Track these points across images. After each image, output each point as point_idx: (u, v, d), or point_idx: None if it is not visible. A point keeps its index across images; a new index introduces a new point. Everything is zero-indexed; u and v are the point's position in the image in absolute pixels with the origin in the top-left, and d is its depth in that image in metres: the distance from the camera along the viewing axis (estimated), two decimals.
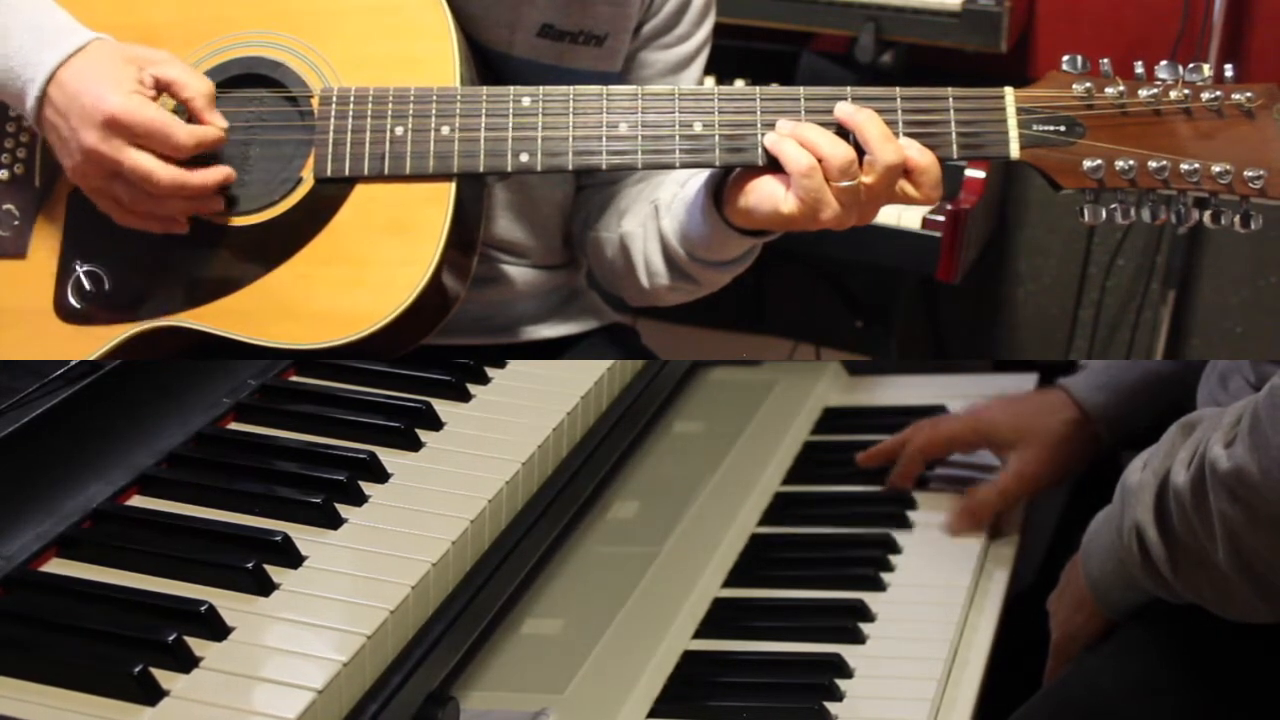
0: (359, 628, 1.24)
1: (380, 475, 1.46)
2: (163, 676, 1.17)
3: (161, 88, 1.44)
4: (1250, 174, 1.41)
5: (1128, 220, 1.45)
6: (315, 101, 1.50)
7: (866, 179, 1.42)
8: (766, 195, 1.46)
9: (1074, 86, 1.45)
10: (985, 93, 1.45)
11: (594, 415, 1.65)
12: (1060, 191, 1.46)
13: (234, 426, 1.54)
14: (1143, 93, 1.43)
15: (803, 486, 2.00)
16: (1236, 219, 1.43)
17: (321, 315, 1.46)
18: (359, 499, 1.42)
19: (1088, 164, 1.43)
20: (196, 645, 1.20)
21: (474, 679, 1.61)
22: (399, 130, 1.47)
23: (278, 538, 1.33)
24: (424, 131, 1.47)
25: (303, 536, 1.35)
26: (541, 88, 1.48)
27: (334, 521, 1.38)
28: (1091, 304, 2.98)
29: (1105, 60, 1.46)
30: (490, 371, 1.65)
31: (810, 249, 2.52)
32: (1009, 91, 1.46)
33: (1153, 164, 1.42)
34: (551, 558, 1.79)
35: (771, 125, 1.45)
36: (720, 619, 1.73)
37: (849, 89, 1.46)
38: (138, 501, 1.41)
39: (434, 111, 1.48)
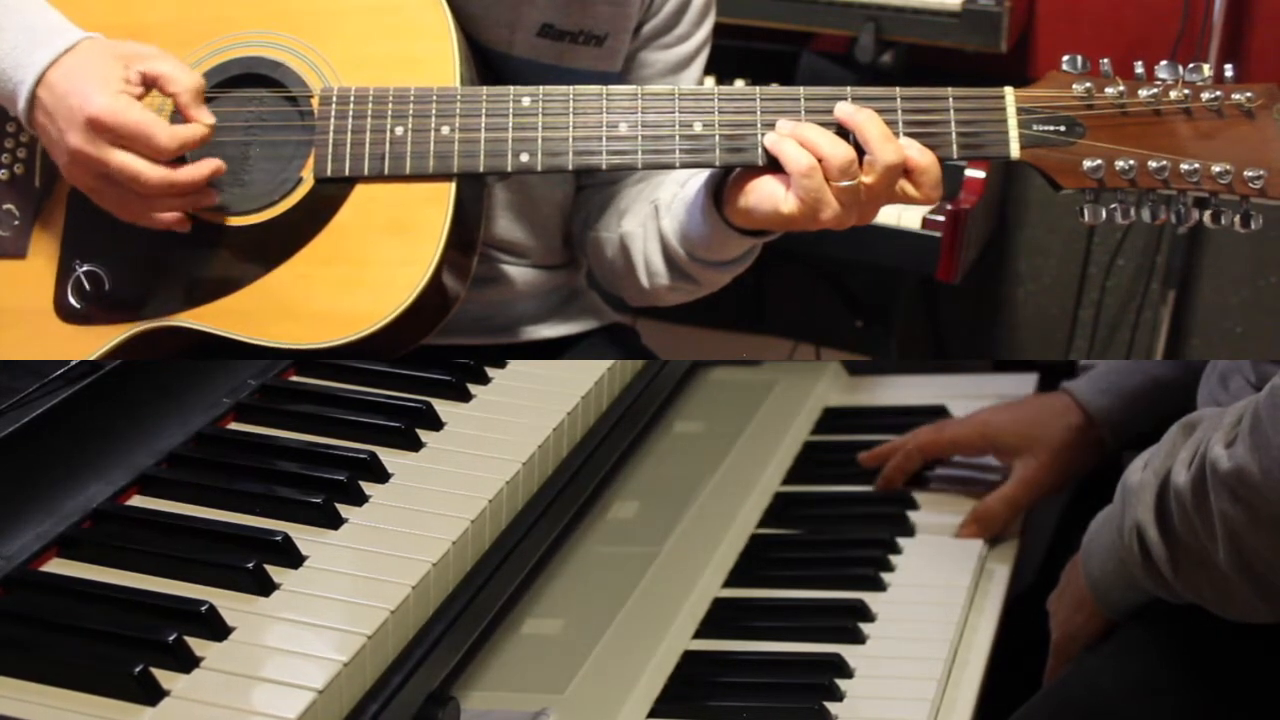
0: (359, 628, 1.24)
1: (381, 475, 1.46)
2: (163, 676, 1.17)
3: (149, 83, 1.43)
4: (1250, 174, 1.41)
5: (1128, 220, 1.45)
6: (315, 101, 1.50)
7: (866, 179, 1.42)
8: (766, 195, 1.45)
9: (1074, 86, 1.45)
10: (985, 93, 1.45)
11: (594, 415, 1.65)
12: (1060, 191, 1.46)
13: (234, 426, 1.54)
14: (1143, 93, 1.43)
15: (803, 486, 2.00)
16: (1236, 219, 1.43)
17: (321, 315, 1.46)
18: (359, 499, 1.42)
19: (1088, 164, 1.43)
20: (197, 645, 1.20)
21: (474, 679, 1.61)
22: (399, 130, 1.47)
23: (278, 538, 1.33)
24: (424, 131, 1.47)
25: (303, 536, 1.35)
26: (541, 88, 1.48)
27: (334, 521, 1.38)
28: (1091, 304, 2.98)
29: (1105, 60, 1.46)
30: (490, 371, 1.65)
31: (810, 249, 2.51)
32: (1009, 91, 1.46)
33: (1153, 164, 1.42)
34: (552, 558, 1.79)
35: (771, 125, 1.45)
36: (720, 619, 1.73)
37: (849, 89, 1.46)
38: (138, 501, 1.41)
39: (434, 111, 1.47)
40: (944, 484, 1.98)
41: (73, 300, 1.51)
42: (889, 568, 1.81)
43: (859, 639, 1.67)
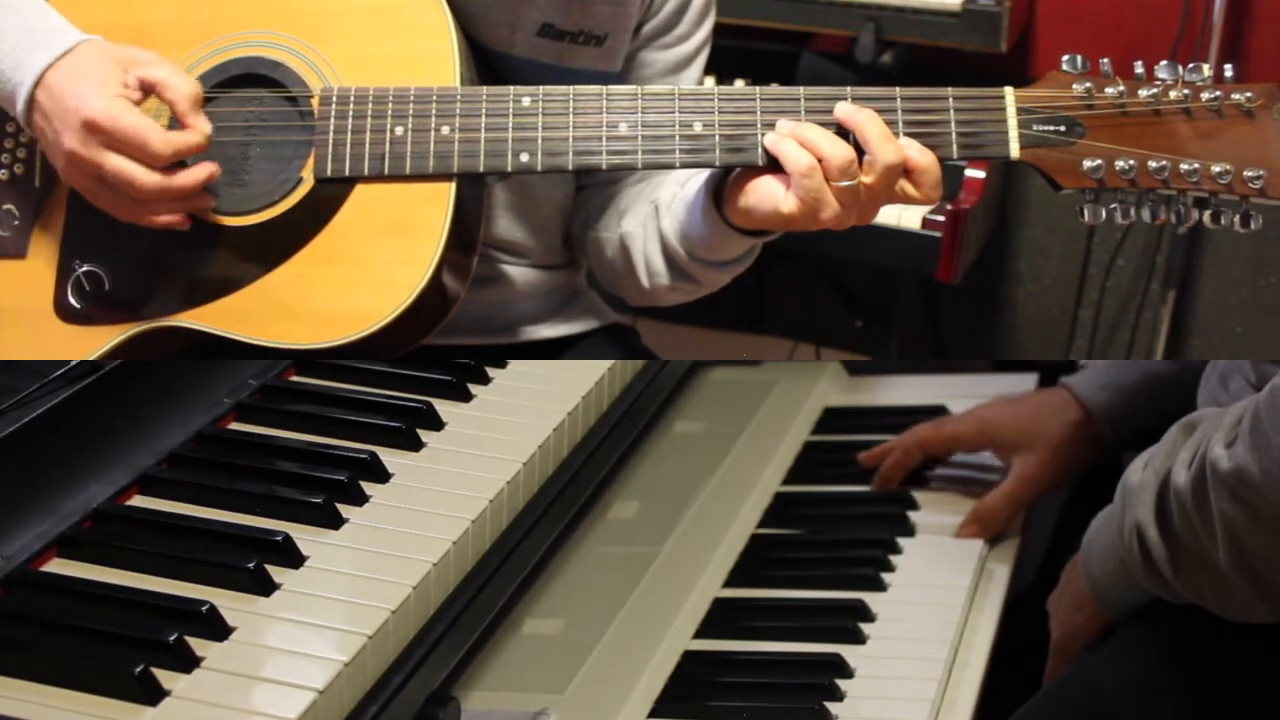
0: (360, 628, 1.24)
1: (381, 475, 1.46)
2: (164, 676, 1.17)
3: (147, 89, 1.43)
4: (1250, 174, 1.41)
5: (1128, 220, 1.45)
6: (315, 101, 1.50)
7: (866, 179, 1.42)
8: (766, 195, 1.46)
9: (1074, 86, 1.45)
10: (985, 93, 1.45)
11: (594, 415, 1.65)
12: (1060, 191, 1.46)
13: (234, 426, 1.54)
14: (1143, 93, 1.43)
15: (803, 486, 2.00)
16: (1236, 219, 1.43)
17: (321, 315, 1.46)
18: (360, 499, 1.42)
19: (1088, 164, 1.43)
20: (197, 645, 1.20)
21: (475, 679, 1.61)
22: (399, 130, 1.47)
23: (279, 538, 1.33)
24: (424, 131, 1.47)
25: (304, 536, 1.35)
26: (541, 88, 1.48)
27: (335, 521, 1.38)
28: (1091, 304, 2.98)
29: (1105, 60, 1.46)
30: (491, 371, 1.65)
31: (810, 249, 2.51)
32: (1009, 91, 1.46)
33: (1153, 164, 1.42)
34: (552, 558, 1.79)
35: (771, 125, 1.45)
36: (720, 619, 1.73)
37: (849, 89, 1.46)
38: (138, 501, 1.41)
39: (434, 111, 1.47)
40: (944, 484, 1.98)
41: (73, 300, 1.51)
42: (889, 568, 1.81)
43: (859, 639, 1.67)
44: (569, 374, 1.65)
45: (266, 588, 1.28)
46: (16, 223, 1.54)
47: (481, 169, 1.48)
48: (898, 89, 1.46)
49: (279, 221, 1.49)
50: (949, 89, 1.46)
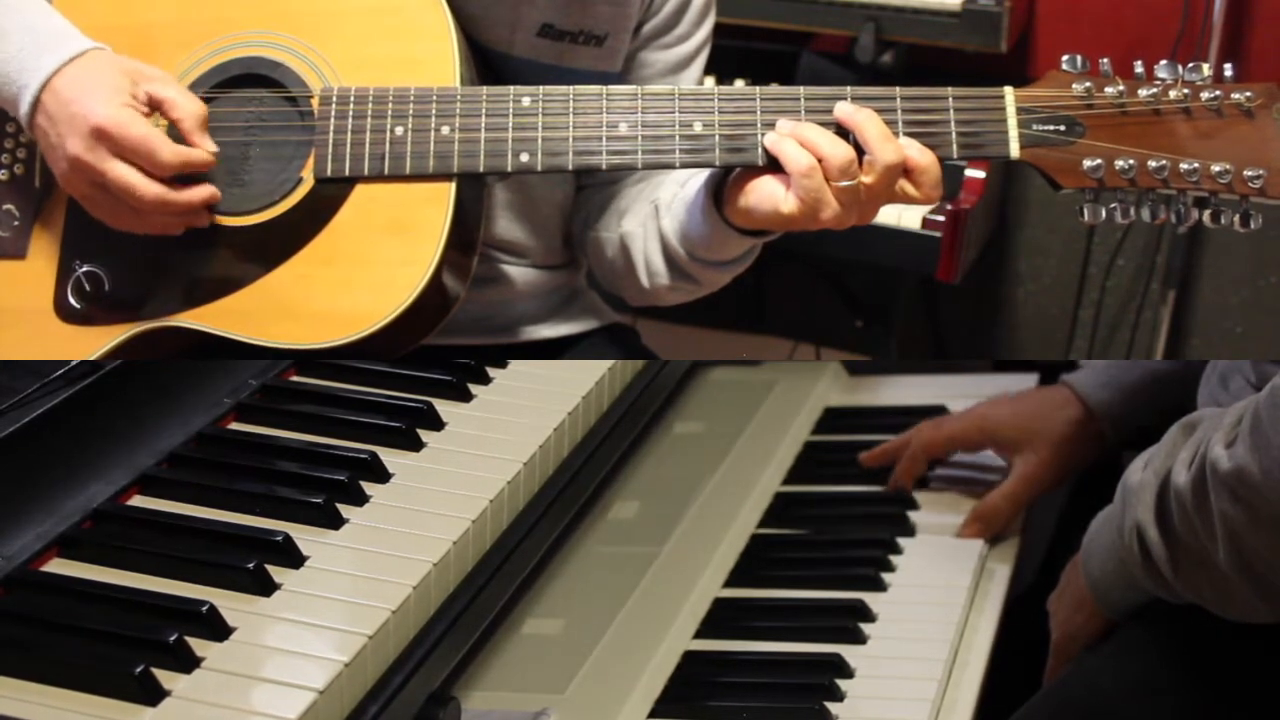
0: (360, 628, 1.24)
1: (381, 475, 1.46)
2: (164, 677, 1.17)
3: (154, 105, 1.44)
4: (1250, 173, 1.41)
5: (1127, 220, 1.45)
6: (315, 102, 1.50)
7: (866, 179, 1.42)
8: (766, 195, 1.46)
9: (1074, 86, 1.45)
10: (985, 92, 1.45)
11: (595, 415, 1.65)
12: (1060, 191, 1.46)
13: (234, 426, 1.54)
14: (1142, 92, 1.43)
15: (803, 486, 2.00)
16: (1236, 218, 1.43)
17: (322, 315, 1.46)
18: (360, 499, 1.42)
19: (1087, 163, 1.43)
20: (198, 645, 1.20)
21: (475, 679, 1.61)
22: (399, 130, 1.47)
23: (279, 538, 1.33)
24: (424, 131, 1.47)
25: (304, 536, 1.35)
26: (541, 88, 1.48)
27: (335, 521, 1.38)
28: (1091, 304, 2.98)
29: (1105, 60, 1.46)
30: (491, 371, 1.65)
31: (810, 249, 2.51)
32: (1009, 91, 1.46)
33: (1152, 163, 1.42)
34: (552, 558, 1.78)
35: (771, 125, 1.45)
36: (720, 619, 1.73)
37: (849, 89, 1.46)
38: (138, 501, 1.41)
39: (434, 111, 1.48)
40: (944, 484, 1.98)
41: (73, 300, 1.51)
42: (889, 568, 1.81)
43: (859, 639, 1.67)
44: (569, 374, 1.65)
45: (266, 588, 1.28)
46: (16, 223, 1.54)
47: (481, 169, 1.48)
48: (898, 89, 1.46)
49: (279, 221, 1.49)
50: (949, 89, 1.46)
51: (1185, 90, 1.43)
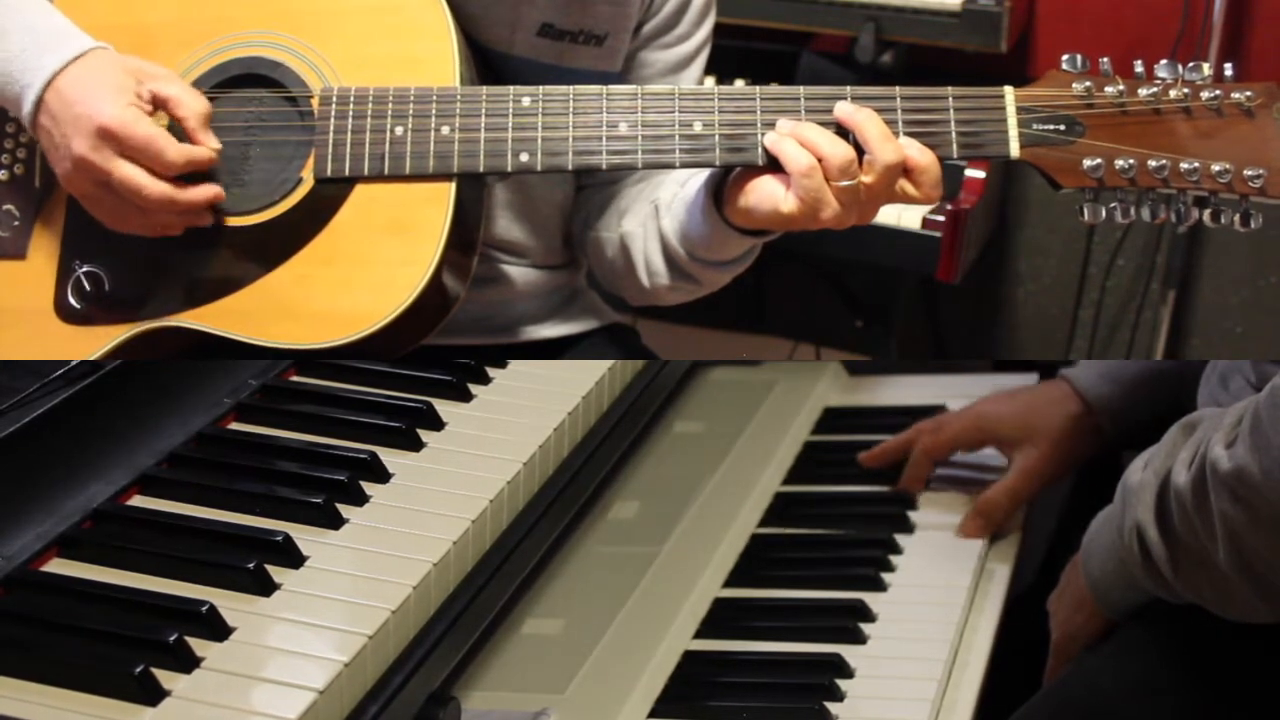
0: (360, 628, 1.24)
1: (381, 475, 1.46)
2: (164, 677, 1.17)
3: (158, 104, 1.44)
4: (1250, 173, 1.41)
5: (1127, 219, 1.45)
6: (315, 101, 1.50)
7: (866, 178, 1.42)
8: (766, 195, 1.46)
9: (1074, 86, 1.45)
10: (985, 92, 1.45)
11: (595, 415, 1.65)
12: (1060, 191, 1.46)
13: (234, 426, 1.54)
14: (1142, 92, 1.43)
15: (803, 486, 2.00)
16: (1236, 218, 1.43)
17: (322, 315, 1.46)
18: (360, 499, 1.42)
19: (1087, 163, 1.43)
20: (197, 645, 1.20)
21: (475, 679, 1.61)
22: (399, 130, 1.47)
23: (279, 538, 1.33)
24: (424, 131, 1.47)
25: (304, 536, 1.35)
26: (541, 87, 1.48)
27: (335, 521, 1.38)
28: (1091, 304, 2.98)
29: (1105, 59, 1.46)
30: (491, 371, 1.65)
31: (810, 249, 2.51)
32: (1009, 91, 1.46)
33: (1152, 163, 1.42)
34: (552, 558, 1.78)
35: (771, 125, 1.45)
36: (720, 619, 1.73)
37: (849, 89, 1.46)
38: (138, 501, 1.41)
39: (434, 111, 1.47)
40: (944, 484, 1.98)
41: (73, 300, 1.51)
42: (889, 568, 1.81)
43: (859, 639, 1.67)
44: (569, 374, 1.65)
45: (266, 588, 1.28)
46: (16, 223, 1.54)
47: (481, 169, 1.48)
48: (898, 89, 1.46)
49: (279, 221, 1.49)
50: (949, 88, 1.46)
51: (1185, 90, 1.43)
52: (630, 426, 1.76)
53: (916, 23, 2.53)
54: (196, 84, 1.51)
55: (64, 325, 1.51)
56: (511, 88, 1.48)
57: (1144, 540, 1.47)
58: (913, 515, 1.91)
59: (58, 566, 1.32)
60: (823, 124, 1.44)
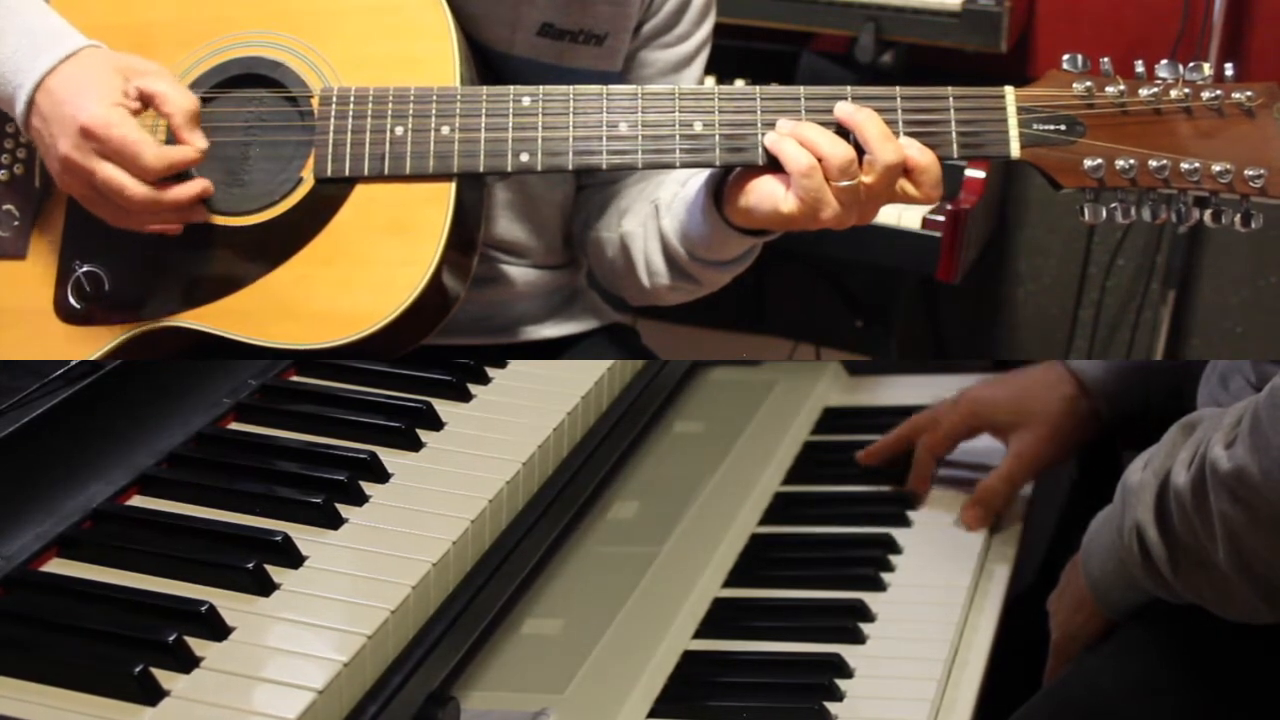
0: (359, 628, 1.24)
1: (381, 475, 1.46)
2: (163, 676, 1.17)
3: (145, 100, 1.43)
4: (1250, 173, 1.41)
5: (1128, 219, 1.45)
6: (315, 101, 1.50)
7: (866, 178, 1.42)
8: (766, 195, 1.45)
9: (1074, 86, 1.45)
10: (985, 92, 1.45)
11: (594, 415, 1.65)
12: (1060, 191, 1.46)
13: (234, 426, 1.54)
14: (1143, 92, 1.43)
15: (803, 486, 2.00)
16: (1237, 218, 1.43)
17: (321, 315, 1.46)
18: (359, 499, 1.42)
19: (1088, 163, 1.43)
20: (197, 645, 1.20)
21: (474, 679, 1.61)
22: (399, 130, 1.47)
23: (278, 538, 1.33)
24: (424, 131, 1.47)
25: (303, 536, 1.35)
26: (541, 87, 1.48)
27: (334, 521, 1.38)
28: (1091, 304, 2.98)
29: (1105, 59, 1.46)
30: (490, 371, 1.65)
31: (810, 249, 2.52)
32: (1009, 91, 1.46)
33: (1153, 163, 1.42)
34: (552, 558, 1.78)
35: (771, 125, 1.45)
36: (720, 619, 1.73)
37: (849, 89, 1.46)
38: (138, 501, 1.41)
39: (434, 111, 1.47)
40: (945, 484, 1.97)
41: (73, 301, 1.51)
42: (889, 568, 1.81)
43: (859, 639, 1.67)
44: (569, 374, 1.65)
45: (266, 588, 1.28)
46: (16, 223, 1.54)
47: (481, 169, 1.48)
48: (898, 89, 1.46)
49: (279, 221, 1.49)
50: (949, 88, 1.46)
51: (1186, 90, 1.43)
52: (630, 426, 1.76)
53: (916, 23, 2.53)
54: (196, 84, 1.51)
55: (64, 325, 1.51)
56: (511, 88, 1.48)
57: (1144, 540, 1.47)
58: (912, 515, 1.91)
59: (57, 566, 1.32)
60: (823, 124, 1.44)
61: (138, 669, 1.16)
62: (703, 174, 1.54)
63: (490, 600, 1.43)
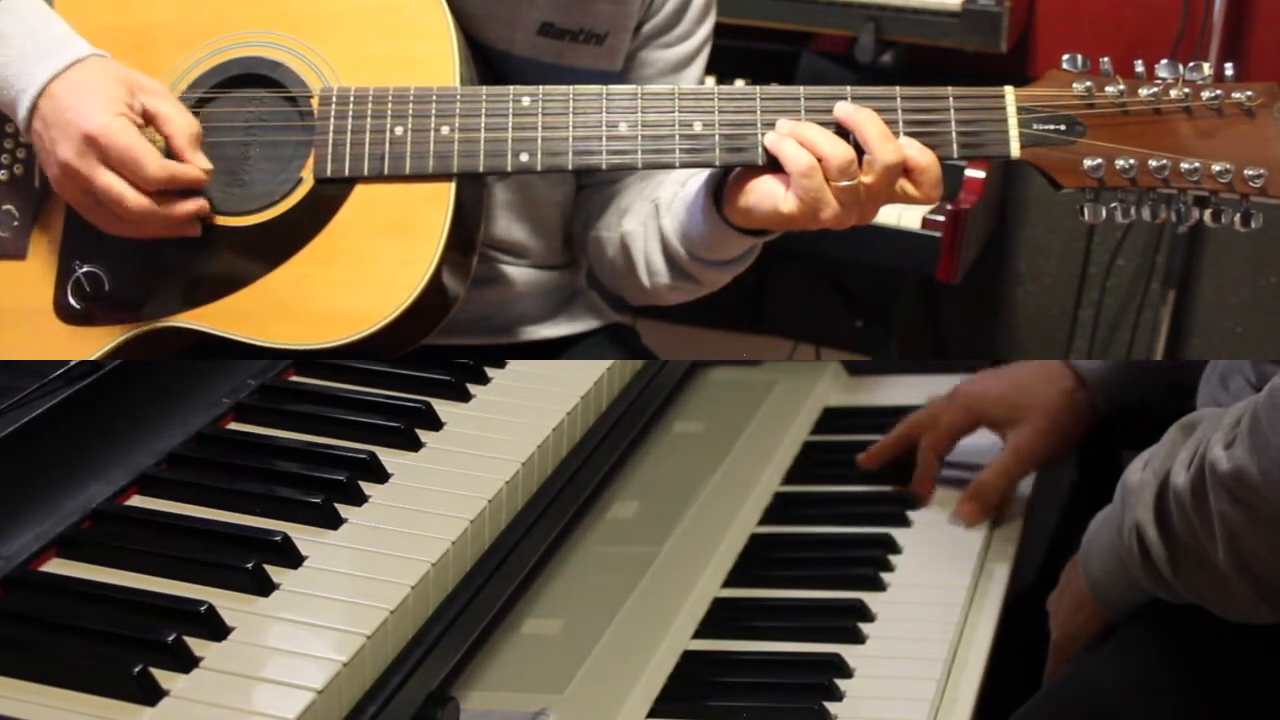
0: (359, 628, 1.24)
1: (380, 475, 1.45)
2: (163, 676, 1.17)
3: (148, 119, 1.43)
4: (1250, 173, 1.41)
5: (1128, 219, 1.45)
6: (315, 101, 1.50)
7: (866, 178, 1.42)
8: (766, 195, 1.45)
9: (1074, 85, 1.45)
10: (985, 92, 1.45)
11: (594, 415, 1.65)
12: (1060, 191, 1.46)
13: (234, 426, 1.54)
14: (1143, 91, 1.43)
15: (803, 486, 2.00)
16: (1237, 218, 1.43)
17: (321, 315, 1.46)
18: (359, 499, 1.42)
19: (1088, 163, 1.43)
20: (196, 645, 1.20)
21: (474, 679, 1.61)
22: (399, 130, 1.47)
23: (277, 538, 1.33)
24: (424, 131, 1.47)
25: (303, 536, 1.35)
26: (541, 87, 1.48)
27: (334, 521, 1.38)
28: (1091, 304, 2.98)
29: (1105, 59, 1.46)
30: (490, 371, 1.64)
31: (810, 249, 2.52)
32: (1009, 90, 1.46)
33: (1153, 163, 1.42)
34: (551, 558, 1.79)
35: (771, 125, 1.45)
36: (720, 619, 1.73)
37: (849, 89, 1.46)
38: (138, 501, 1.41)
39: (434, 111, 1.47)
40: (945, 484, 1.97)
41: (73, 301, 1.51)
42: (889, 568, 1.81)
43: (859, 639, 1.67)
44: (569, 374, 1.65)
45: (265, 588, 1.28)
46: (16, 223, 1.54)
47: (481, 169, 1.48)
48: (898, 88, 1.45)
49: (279, 222, 1.49)
50: (949, 88, 1.46)
51: (1186, 89, 1.43)
52: (630, 426, 1.76)
53: (916, 23, 2.53)
54: (196, 84, 1.51)
55: (64, 325, 1.51)
56: (511, 87, 1.48)
57: (1143, 540, 1.47)
58: (912, 515, 1.91)
59: (57, 566, 1.32)
60: (823, 124, 1.44)
61: (137, 669, 1.16)
62: (703, 174, 1.54)
63: (490, 600, 1.43)
